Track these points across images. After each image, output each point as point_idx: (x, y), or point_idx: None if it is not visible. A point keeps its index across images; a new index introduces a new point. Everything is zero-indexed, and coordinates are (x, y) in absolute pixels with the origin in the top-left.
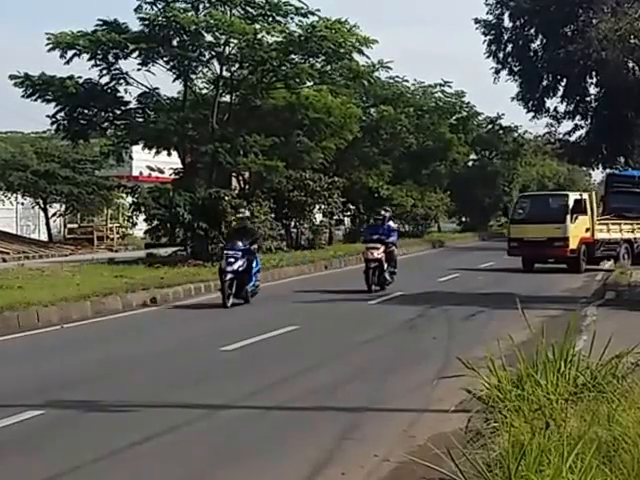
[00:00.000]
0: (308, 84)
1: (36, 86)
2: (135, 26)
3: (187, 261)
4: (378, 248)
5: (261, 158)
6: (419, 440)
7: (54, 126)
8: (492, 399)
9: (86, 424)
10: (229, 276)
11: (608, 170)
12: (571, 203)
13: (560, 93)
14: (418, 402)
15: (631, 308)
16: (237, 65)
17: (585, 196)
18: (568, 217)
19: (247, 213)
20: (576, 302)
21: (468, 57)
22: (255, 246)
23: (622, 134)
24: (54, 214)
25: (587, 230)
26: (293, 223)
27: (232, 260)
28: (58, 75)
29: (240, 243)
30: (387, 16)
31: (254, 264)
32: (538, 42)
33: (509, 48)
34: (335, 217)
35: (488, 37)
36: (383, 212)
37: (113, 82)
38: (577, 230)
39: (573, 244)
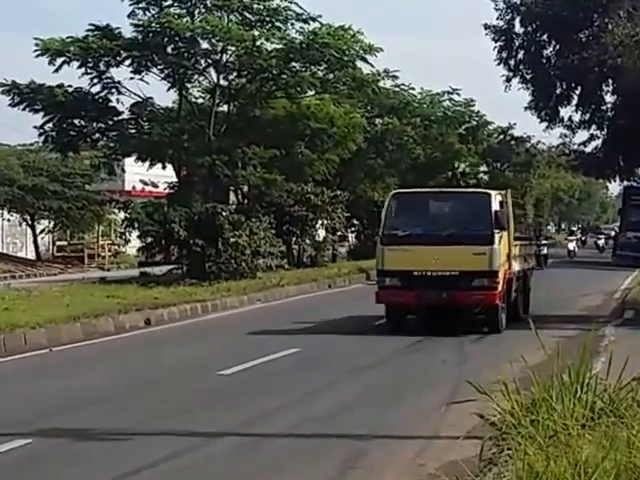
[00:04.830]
0: (310, 93)
1: (24, 94)
2: (128, 33)
3: (183, 280)
4: None
5: (260, 171)
6: (429, 468)
7: (42, 137)
8: (505, 425)
9: (75, 453)
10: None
11: (626, 183)
12: (496, 209)
13: (575, 102)
14: (427, 428)
15: None
16: (235, 73)
17: (502, 198)
18: (496, 235)
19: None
20: (593, 321)
21: (478, 64)
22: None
23: None
24: (42, 231)
25: (507, 257)
26: (294, 239)
27: None
28: (47, 83)
29: None
30: (392, 22)
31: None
32: (551, 48)
33: (520, 55)
34: (339, 233)
35: (498, 43)
36: None
37: (104, 91)
38: (502, 257)
39: (501, 283)
